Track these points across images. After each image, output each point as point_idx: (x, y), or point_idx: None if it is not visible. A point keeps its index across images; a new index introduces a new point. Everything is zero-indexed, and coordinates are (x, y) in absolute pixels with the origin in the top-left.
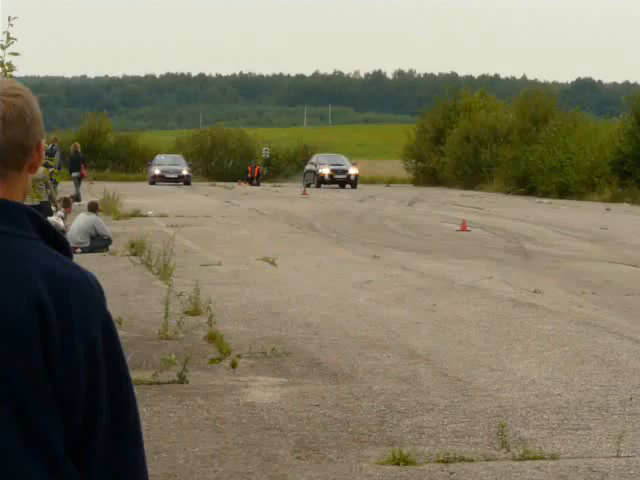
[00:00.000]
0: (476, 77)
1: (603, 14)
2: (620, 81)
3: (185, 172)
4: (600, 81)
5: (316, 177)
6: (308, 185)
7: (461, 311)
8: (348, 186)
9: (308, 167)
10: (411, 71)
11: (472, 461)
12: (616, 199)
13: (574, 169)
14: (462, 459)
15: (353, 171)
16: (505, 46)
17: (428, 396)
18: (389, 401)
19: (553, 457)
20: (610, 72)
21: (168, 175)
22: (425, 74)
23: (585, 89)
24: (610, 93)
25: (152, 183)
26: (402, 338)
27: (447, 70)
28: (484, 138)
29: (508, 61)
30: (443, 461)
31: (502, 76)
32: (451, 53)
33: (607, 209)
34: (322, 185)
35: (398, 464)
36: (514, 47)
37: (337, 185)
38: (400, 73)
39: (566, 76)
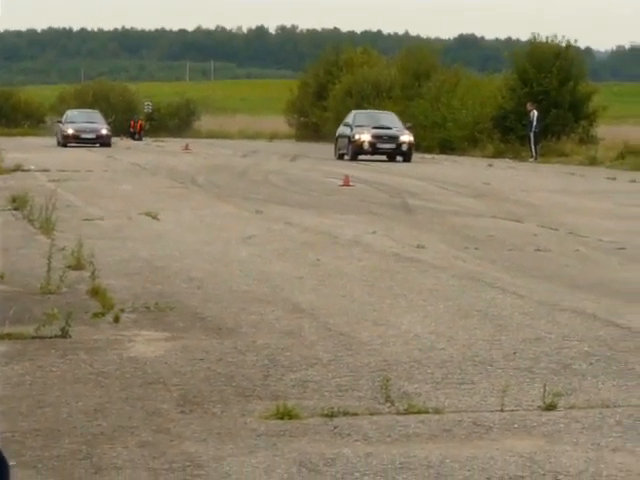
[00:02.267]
0: (359, 33)
1: None
2: (502, 37)
3: (105, 131)
4: (482, 37)
5: (351, 145)
6: (341, 157)
7: (344, 266)
8: (399, 158)
9: (341, 130)
10: (293, 26)
11: (356, 415)
12: (498, 155)
13: (457, 125)
14: (346, 413)
15: (406, 138)
16: (387, 2)
17: (312, 350)
18: (273, 355)
19: (437, 411)
20: (492, 28)
21: (84, 135)
22: (308, 29)
23: (467, 45)
24: (492, 49)
25: (64, 145)
26: (285, 293)
27: (330, 26)
28: (367, 93)
29: (391, 17)
30: (327, 415)
31: (385, 32)
32: (334, 9)
33: (489, 165)
34: (360, 157)
35: (282, 418)
36: (396, 3)
37: (383, 156)
38: (283, 28)
39: (449, 32)
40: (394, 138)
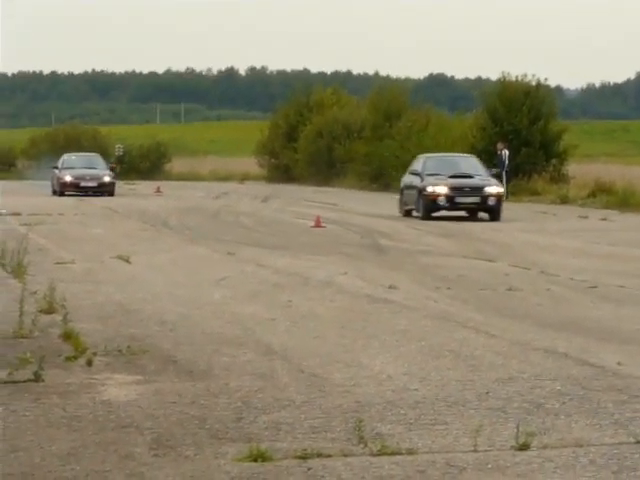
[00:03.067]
0: (329, 73)
1: (453, 11)
2: (472, 76)
3: (107, 178)
4: (453, 76)
5: (423, 199)
6: (408, 213)
7: (317, 307)
8: (484, 215)
9: (407, 180)
10: (263, 67)
11: (330, 457)
12: None
13: None
14: (320, 455)
15: (494, 189)
16: (357, 42)
17: (285, 392)
18: (246, 398)
19: (411, 452)
20: (462, 67)
21: (84, 183)
22: (278, 70)
23: (438, 84)
24: (463, 88)
25: (60, 194)
26: (258, 334)
27: (300, 66)
28: (337, 134)
29: (360, 57)
30: (301, 457)
31: (355, 72)
32: (303, 49)
33: None
34: (433, 214)
35: (256, 460)
36: (366, 43)
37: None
38: (252, 70)
39: (419, 72)
40: (478, 189)
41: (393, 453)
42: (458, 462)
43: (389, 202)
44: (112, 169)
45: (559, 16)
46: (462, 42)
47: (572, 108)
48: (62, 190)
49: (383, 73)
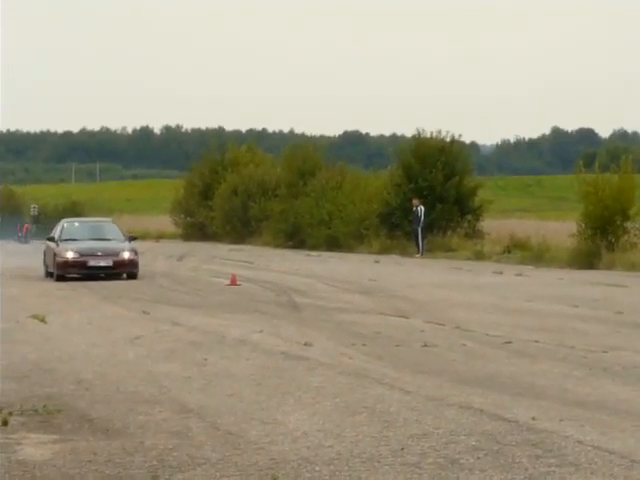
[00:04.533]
0: (244, 131)
1: (367, 68)
2: (387, 133)
3: (127, 254)
4: (367, 133)
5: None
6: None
7: (232, 365)
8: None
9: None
10: (178, 126)
11: None
12: (385, 251)
13: (343, 222)
14: None
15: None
16: (272, 101)
17: (200, 450)
18: (161, 456)
19: None
20: (377, 124)
21: (94, 262)
22: (192, 129)
23: (353, 142)
24: (377, 145)
25: (60, 277)
26: (173, 393)
27: (214, 125)
28: (252, 192)
29: (275, 115)
30: None
31: (270, 130)
32: (218, 108)
33: (376, 261)
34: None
35: None
36: (281, 101)
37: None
38: (167, 128)
39: (334, 129)
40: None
41: None
42: None
43: (304, 259)
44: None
45: (473, 72)
46: (377, 99)
47: (487, 164)
48: (62, 272)
49: (298, 131)
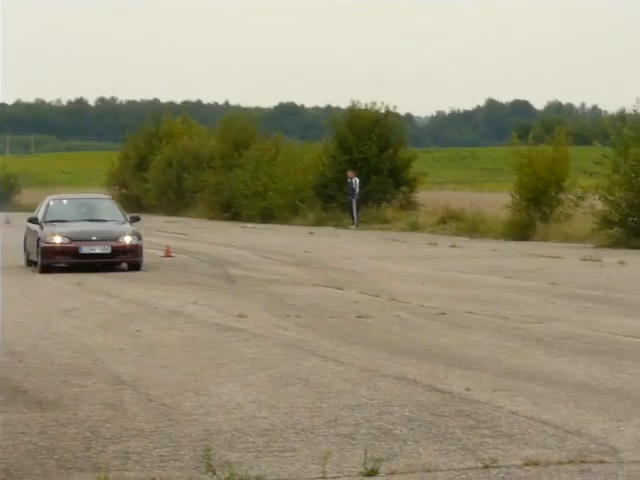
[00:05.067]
0: (179, 103)
1: (302, 37)
2: (322, 105)
3: (129, 238)
4: (302, 105)
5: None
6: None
7: (166, 337)
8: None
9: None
10: (113, 98)
11: None
12: (320, 223)
13: (278, 194)
14: None
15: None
16: (207, 72)
17: (134, 422)
18: (94, 427)
19: (259, 479)
20: (312, 96)
21: (88, 248)
22: (127, 101)
23: (288, 114)
24: (312, 117)
25: (45, 268)
26: (107, 364)
27: (149, 96)
28: (187, 164)
29: (211, 87)
30: None
31: (205, 102)
32: (153, 79)
33: (311, 232)
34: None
35: None
36: (216, 73)
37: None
38: (102, 100)
39: (269, 101)
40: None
41: None
42: None
43: (239, 231)
44: (135, 220)
45: (408, 43)
46: (312, 71)
47: (422, 135)
48: (48, 261)
49: (233, 102)
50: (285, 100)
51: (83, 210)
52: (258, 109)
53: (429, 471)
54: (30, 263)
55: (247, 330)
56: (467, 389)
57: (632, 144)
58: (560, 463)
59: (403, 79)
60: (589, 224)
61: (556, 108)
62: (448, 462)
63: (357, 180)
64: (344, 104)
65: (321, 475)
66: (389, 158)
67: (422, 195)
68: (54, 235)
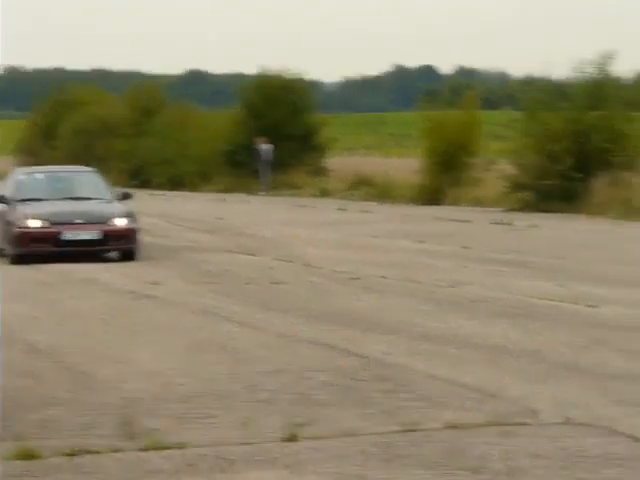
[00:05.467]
0: (88, 71)
1: (208, 3)
2: (230, 71)
3: (122, 221)
4: (210, 72)
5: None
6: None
7: (81, 305)
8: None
9: None
10: (20, 66)
11: (99, 453)
12: (230, 189)
13: (188, 161)
14: (89, 451)
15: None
16: (116, 39)
17: (53, 390)
18: (12, 396)
19: (180, 446)
20: (220, 62)
21: (70, 234)
22: (35, 69)
23: (196, 81)
24: (221, 84)
25: (18, 258)
26: (23, 333)
27: (57, 64)
28: (96, 132)
29: (119, 54)
30: (69, 454)
31: (114, 69)
32: (60, 47)
33: (222, 199)
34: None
35: (24, 459)
36: (124, 40)
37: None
38: (9, 68)
39: (177, 68)
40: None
41: (162, 447)
42: (228, 455)
43: (149, 198)
44: (125, 197)
45: (310, 9)
46: (218, 37)
47: (331, 101)
48: (22, 249)
49: (142, 70)
50: (193, 67)
51: (61, 186)
52: (166, 76)
53: (349, 435)
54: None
55: (162, 297)
56: (384, 353)
57: (541, 108)
58: (481, 425)
59: (311, 45)
60: (499, 188)
61: (462, 72)
62: (369, 426)
63: (266, 146)
64: (251, 71)
65: (242, 441)
66: (299, 124)
67: (332, 161)
68: (29, 218)
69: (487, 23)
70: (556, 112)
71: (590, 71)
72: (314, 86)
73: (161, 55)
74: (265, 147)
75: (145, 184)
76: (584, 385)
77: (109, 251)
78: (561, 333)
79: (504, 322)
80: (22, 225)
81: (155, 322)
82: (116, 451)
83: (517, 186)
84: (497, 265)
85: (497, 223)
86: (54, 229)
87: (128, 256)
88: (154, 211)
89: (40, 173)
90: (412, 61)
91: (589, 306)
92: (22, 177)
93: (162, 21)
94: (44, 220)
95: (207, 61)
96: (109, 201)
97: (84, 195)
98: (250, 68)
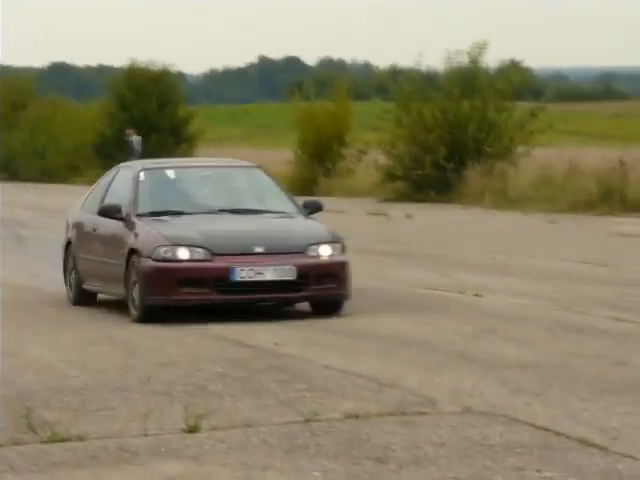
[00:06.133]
0: None
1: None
2: (94, 64)
3: (327, 250)
4: (74, 64)
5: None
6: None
7: None
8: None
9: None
10: None
11: (1, 446)
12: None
13: (57, 153)
14: None
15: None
16: None
17: None
18: None
19: (81, 438)
20: (84, 55)
21: (246, 270)
22: None
23: (61, 73)
24: (86, 77)
25: (149, 312)
26: None
27: None
28: None
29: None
30: None
31: None
32: None
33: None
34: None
35: None
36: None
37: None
38: None
39: (41, 61)
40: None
41: (64, 440)
42: (130, 447)
43: (21, 191)
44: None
45: (179, 3)
46: (81, 28)
47: (196, 93)
48: (158, 297)
49: (7, 63)
50: (57, 60)
51: (214, 191)
52: (31, 69)
53: (250, 426)
54: (81, 295)
55: (44, 290)
56: (276, 344)
57: (413, 98)
58: (380, 415)
59: (174, 37)
60: (373, 178)
61: (327, 64)
62: (268, 417)
63: (137, 138)
64: (117, 63)
65: (143, 432)
66: (168, 116)
67: (202, 152)
68: (172, 244)
69: (353, 13)
70: (428, 102)
71: (461, 61)
72: (180, 78)
73: (24, 47)
74: (136, 139)
75: (14, 176)
76: (479, 374)
77: (307, 300)
78: (450, 322)
79: (391, 312)
80: (160, 257)
81: (41, 315)
82: (18, 444)
83: (390, 176)
84: (377, 256)
85: (372, 214)
86: (219, 264)
87: (332, 307)
88: (28, 203)
89: (173, 169)
90: (277, 52)
91: (476, 295)
92: (142, 174)
93: (26, 14)
94: (199, 248)
95: (69, 54)
96: (292, 215)
97: (253, 206)
98: (114, 60)
